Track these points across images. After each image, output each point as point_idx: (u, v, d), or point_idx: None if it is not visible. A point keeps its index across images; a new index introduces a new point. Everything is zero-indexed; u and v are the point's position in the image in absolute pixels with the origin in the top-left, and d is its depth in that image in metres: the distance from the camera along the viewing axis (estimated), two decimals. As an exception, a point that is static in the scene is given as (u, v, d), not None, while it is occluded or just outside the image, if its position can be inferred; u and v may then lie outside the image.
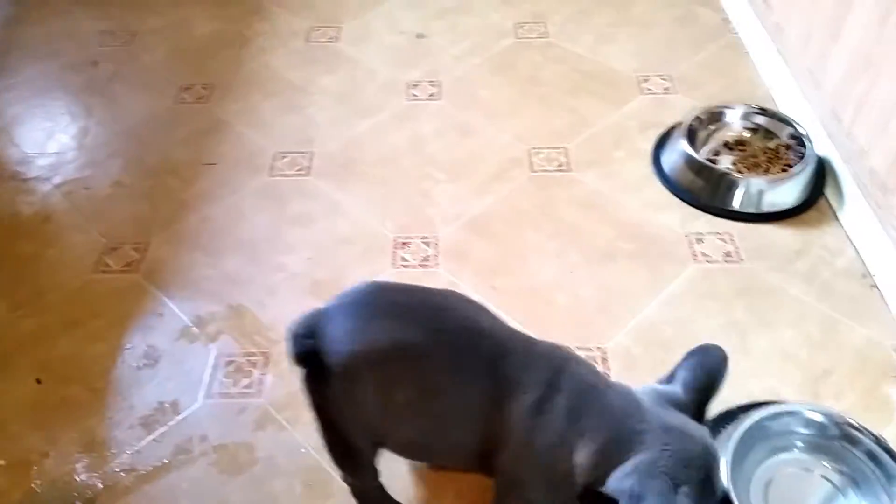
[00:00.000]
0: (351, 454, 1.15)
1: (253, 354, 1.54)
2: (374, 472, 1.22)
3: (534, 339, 1.11)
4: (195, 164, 2.00)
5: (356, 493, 1.27)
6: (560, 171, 1.96)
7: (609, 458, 0.99)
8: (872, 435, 1.27)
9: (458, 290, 1.18)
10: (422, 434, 1.10)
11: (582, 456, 1.00)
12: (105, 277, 1.71)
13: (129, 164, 2.01)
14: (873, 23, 1.66)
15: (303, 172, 1.96)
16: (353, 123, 2.12)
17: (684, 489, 0.94)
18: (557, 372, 1.04)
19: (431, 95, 2.21)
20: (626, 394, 1.04)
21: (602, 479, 1.00)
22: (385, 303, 1.08)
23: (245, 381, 1.49)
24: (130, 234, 1.81)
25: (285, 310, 1.61)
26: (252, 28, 2.51)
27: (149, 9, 2.61)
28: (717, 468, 1.00)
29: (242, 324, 1.60)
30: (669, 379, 1.09)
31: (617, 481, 0.98)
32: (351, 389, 1.05)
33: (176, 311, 1.63)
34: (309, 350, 1.05)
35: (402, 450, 1.16)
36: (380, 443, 1.14)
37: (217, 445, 1.40)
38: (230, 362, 1.53)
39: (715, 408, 1.38)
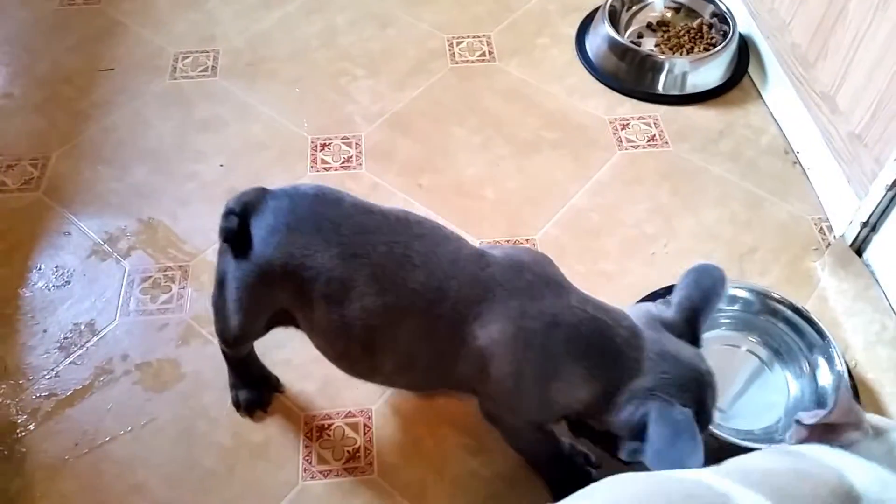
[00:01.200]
0: (240, 332, 1.14)
1: (169, 269, 1.47)
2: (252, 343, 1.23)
3: (491, 258, 1.03)
4: (90, 70, 1.84)
5: (230, 360, 1.26)
6: (482, 61, 1.89)
7: (606, 389, 0.96)
8: (793, 306, 1.31)
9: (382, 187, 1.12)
10: (349, 357, 1.08)
11: (579, 388, 0.97)
12: (3, 197, 1.59)
13: (17, 75, 1.85)
14: None
15: (208, 73, 1.83)
16: (259, 17, 1.98)
17: (682, 409, 0.92)
18: (535, 298, 0.99)
19: (343, -16, 2.08)
20: (621, 320, 1.00)
21: (598, 409, 0.98)
22: (317, 216, 1.03)
23: (164, 297, 1.42)
24: (26, 149, 1.68)
25: (200, 221, 1.53)
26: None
27: None
28: (714, 393, 0.98)
29: (156, 238, 1.51)
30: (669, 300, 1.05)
31: (617, 414, 0.96)
32: (260, 287, 1.05)
33: (83, 228, 1.53)
34: (234, 230, 1.03)
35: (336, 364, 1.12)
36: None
37: (140, 363, 1.35)
38: (146, 278, 1.45)
39: (641, 293, 1.42)
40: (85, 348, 1.36)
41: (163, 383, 1.32)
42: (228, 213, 1.04)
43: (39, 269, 1.48)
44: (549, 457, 1.17)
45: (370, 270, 0.99)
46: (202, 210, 1.55)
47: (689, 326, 1.01)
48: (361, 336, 1.02)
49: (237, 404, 1.29)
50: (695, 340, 1.01)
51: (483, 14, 2.00)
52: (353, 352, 1.05)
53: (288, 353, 1.34)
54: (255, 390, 1.29)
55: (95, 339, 1.37)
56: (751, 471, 0.78)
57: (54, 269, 1.47)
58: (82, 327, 1.39)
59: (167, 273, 1.46)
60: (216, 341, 1.35)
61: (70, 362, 1.35)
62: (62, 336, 1.38)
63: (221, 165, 1.64)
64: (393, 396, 1.31)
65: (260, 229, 1.03)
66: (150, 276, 1.45)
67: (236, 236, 1.03)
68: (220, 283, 1.10)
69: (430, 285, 0.99)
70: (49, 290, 1.44)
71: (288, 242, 1.01)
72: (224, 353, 1.25)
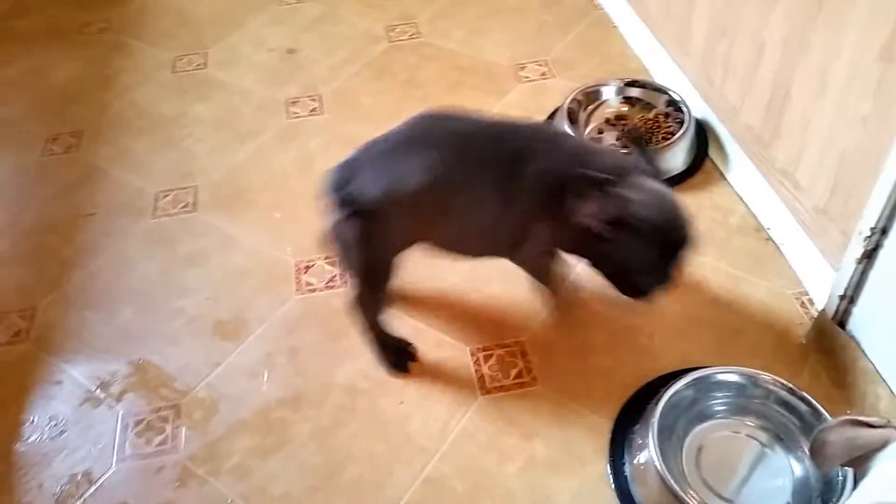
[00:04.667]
0: (381, 272, 1.40)
1: (162, 409, 1.46)
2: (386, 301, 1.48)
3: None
4: (73, 217, 1.88)
5: (377, 334, 1.48)
6: (453, 169, 1.94)
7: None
8: (786, 386, 1.31)
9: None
10: (457, 241, 1.42)
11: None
12: (-9, 353, 1.59)
13: (3, 229, 1.88)
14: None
15: (188, 209, 1.88)
16: (234, 150, 2.04)
17: None
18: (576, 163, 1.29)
19: (313, 111, 2.16)
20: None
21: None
22: (412, 140, 1.39)
23: (158, 439, 1.41)
24: (14, 301, 1.69)
25: (189, 357, 1.54)
26: (114, 66, 2.39)
27: (-1, 59, 2.46)
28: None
29: (146, 379, 1.51)
30: None
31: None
32: (384, 224, 1.31)
33: (75, 376, 1.53)
34: (346, 198, 1.31)
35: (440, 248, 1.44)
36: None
37: (139, 511, 1.33)
38: (140, 421, 1.44)
39: (634, 384, 1.43)
40: (82, 499, 1.34)
41: (163, 529, 1.30)
42: (333, 186, 1.34)
43: (32, 421, 1.47)
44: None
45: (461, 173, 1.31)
46: (191, 346, 1.56)
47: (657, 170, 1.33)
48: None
49: (393, 366, 1.49)
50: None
51: (450, 125, 2.07)
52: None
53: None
54: (402, 351, 1.51)
55: (93, 488, 1.35)
56: None
57: (48, 421, 1.46)
58: (79, 478, 1.37)
59: (160, 413, 1.45)
60: (213, 481, 1.34)
61: (68, 516, 1.32)
62: (59, 488, 1.36)
63: (207, 298, 1.66)
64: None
65: (364, 181, 1.33)
66: (144, 419, 1.45)
67: (347, 202, 1.31)
68: (357, 242, 1.33)
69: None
70: (43, 442, 1.43)
71: (392, 172, 1.33)
72: (372, 329, 1.46)
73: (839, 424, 0.83)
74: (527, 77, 2.23)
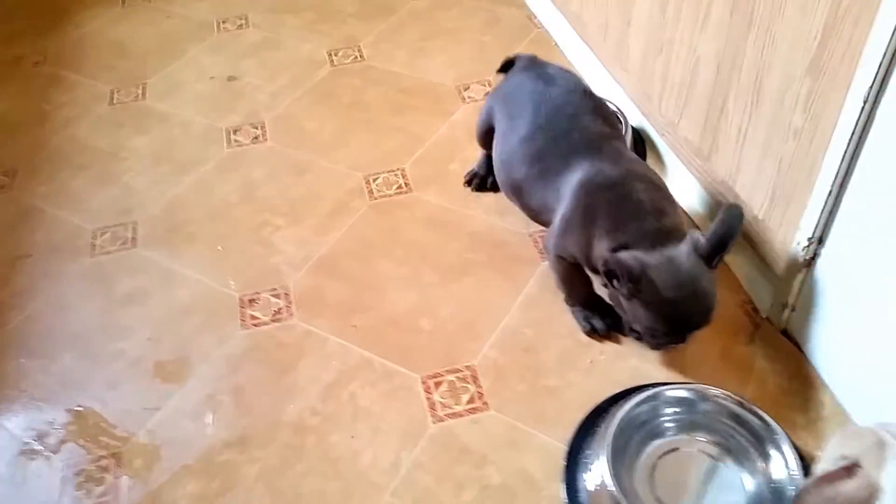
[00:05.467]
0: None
1: (102, 458, 1.40)
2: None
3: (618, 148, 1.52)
4: (8, 259, 1.82)
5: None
6: (400, 193, 1.93)
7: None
8: (734, 399, 1.32)
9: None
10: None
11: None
12: (-80, 407, 1.52)
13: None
14: (655, 9, 1.74)
15: (127, 246, 1.83)
16: (174, 182, 2.00)
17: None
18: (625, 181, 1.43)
19: (255, 138, 2.13)
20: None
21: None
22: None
23: (99, 490, 1.36)
24: (-55, 350, 1.63)
25: (130, 401, 1.49)
26: (50, 101, 2.33)
27: (-74, 97, 2.38)
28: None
29: (86, 427, 1.46)
30: None
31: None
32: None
33: (10, 428, 1.47)
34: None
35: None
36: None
37: (82, 567, 1.27)
38: (79, 472, 1.39)
39: (585, 404, 1.42)
40: (20, 559, 1.29)
41: (106, 585, 1.25)
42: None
43: (-35, 481, 1.41)
44: (572, 298, 1.59)
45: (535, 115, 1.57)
46: (131, 389, 1.51)
47: (715, 251, 1.32)
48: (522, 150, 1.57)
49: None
50: (712, 259, 1.33)
51: (395, 149, 2.07)
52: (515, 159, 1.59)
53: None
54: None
55: (31, 547, 1.30)
56: None
57: (-19, 479, 1.40)
58: (16, 537, 1.32)
59: (100, 463, 1.40)
60: (159, 530, 1.29)
61: (4, 578, 1.27)
62: (-7, 553, 1.31)
63: (148, 339, 1.61)
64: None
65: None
66: (83, 469, 1.39)
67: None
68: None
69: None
70: (-24, 503, 1.37)
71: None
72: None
73: (815, 485, 0.81)
74: (471, 97, 2.23)
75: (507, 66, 1.80)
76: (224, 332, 1.61)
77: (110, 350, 1.59)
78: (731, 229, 1.31)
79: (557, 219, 1.49)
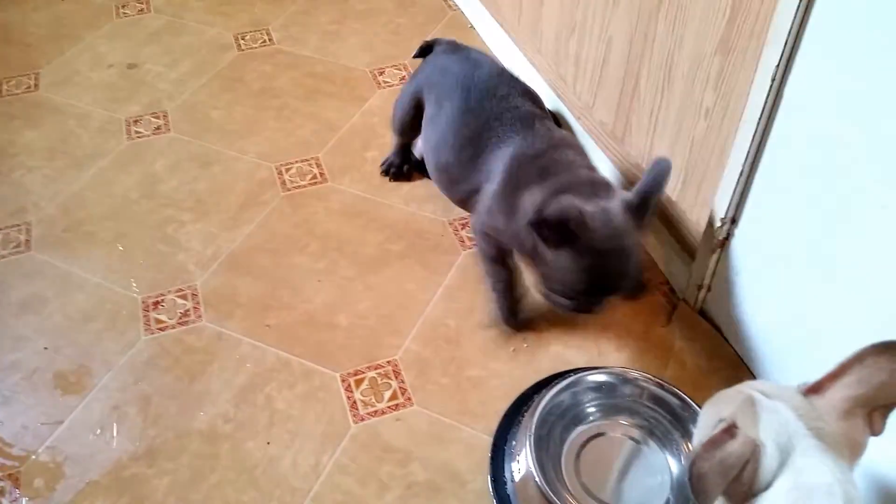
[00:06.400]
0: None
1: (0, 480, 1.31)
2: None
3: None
4: None
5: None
6: (314, 183, 1.86)
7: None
8: (654, 381, 1.32)
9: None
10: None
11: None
12: None
13: None
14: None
15: (21, 248, 1.70)
16: (71, 178, 1.88)
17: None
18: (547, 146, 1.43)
19: (158, 129, 2.02)
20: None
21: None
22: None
23: (-5, 515, 1.27)
24: None
25: (28, 416, 1.39)
26: (-72, 92, 2.16)
27: None
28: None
29: (-22, 447, 1.36)
30: None
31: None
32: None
33: None
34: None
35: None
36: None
37: None
38: (-28, 497, 1.29)
39: (509, 393, 1.40)
40: None
41: None
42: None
43: None
44: (498, 284, 1.53)
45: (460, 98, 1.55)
46: (28, 404, 1.41)
47: (642, 205, 1.27)
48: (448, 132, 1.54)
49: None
50: (641, 215, 1.28)
51: (307, 137, 1.99)
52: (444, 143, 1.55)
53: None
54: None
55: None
56: None
57: None
58: None
59: (-3, 486, 1.30)
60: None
61: None
62: None
63: (46, 348, 1.50)
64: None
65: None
66: (-23, 494, 1.30)
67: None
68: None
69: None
70: None
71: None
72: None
73: (704, 451, 0.81)
74: (387, 82, 2.17)
75: (424, 52, 1.77)
76: (128, 337, 1.52)
77: (4, 362, 1.48)
78: (658, 183, 1.27)
79: (486, 196, 1.46)
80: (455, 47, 1.72)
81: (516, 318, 1.53)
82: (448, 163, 1.56)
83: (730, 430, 0.82)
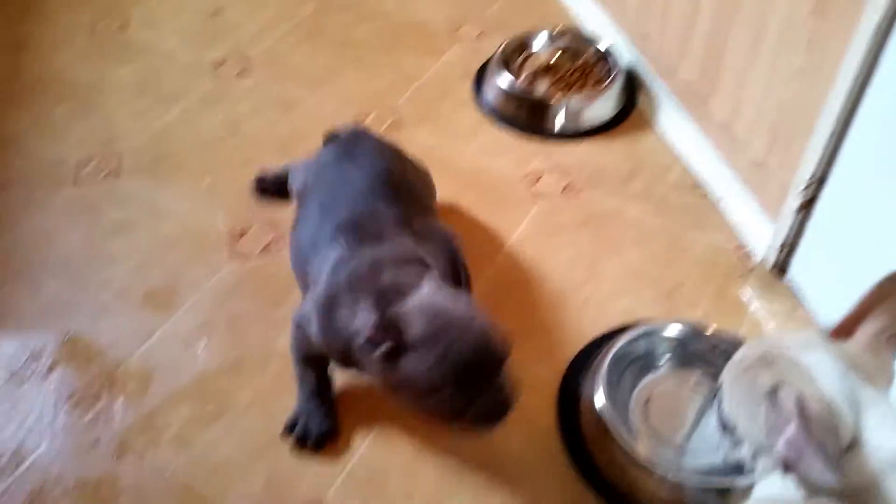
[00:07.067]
0: None
1: (94, 382, 1.38)
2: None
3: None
4: (-11, 189, 1.77)
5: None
6: (391, 131, 1.90)
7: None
8: (728, 337, 1.33)
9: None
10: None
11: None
12: None
13: None
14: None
15: (112, 176, 1.78)
16: (157, 114, 1.94)
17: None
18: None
19: (241, 73, 2.08)
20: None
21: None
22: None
23: (92, 412, 1.34)
24: (-73, 277, 1.58)
25: (121, 328, 1.46)
26: (27, 29, 2.24)
27: None
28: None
29: (76, 352, 1.43)
30: None
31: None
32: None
33: (1, 352, 1.44)
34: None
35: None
36: None
37: (75, 485, 1.26)
38: (71, 395, 1.37)
39: (577, 340, 1.43)
40: (13, 476, 1.26)
41: (102, 502, 1.23)
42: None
43: (-47, 402, 1.38)
44: (305, 384, 1.33)
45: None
46: (121, 317, 1.48)
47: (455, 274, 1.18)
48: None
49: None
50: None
51: (385, 86, 2.03)
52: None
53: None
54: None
55: (25, 464, 1.28)
56: None
57: (-30, 401, 1.38)
58: (8, 456, 1.29)
59: (93, 387, 1.38)
60: (151, 452, 1.29)
61: (0, 493, 1.25)
62: (-14, 469, 1.28)
63: (136, 268, 1.57)
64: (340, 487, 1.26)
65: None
66: (76, 392, 1.37)
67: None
68: None
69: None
70: (-35, 423, 1.34)
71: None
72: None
73: (792, 435, 0.78)
74: (464, 35, 2.19)
75: (330, 139, 1.57)
76: (213, 264, 1.58)
77: (97, 279, 1.56)
78: (455, 253, 1.18)
79: (309, 297, 1.24)
80: (349, 140, 1.50)
81: (306, 433, 1.30)
82: (305, 267, 1.32)
83: (800, 402, 0.79)
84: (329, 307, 1.16)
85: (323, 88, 2.03)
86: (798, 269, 1.44)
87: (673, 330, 1.36)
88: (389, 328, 1.04)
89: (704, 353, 1.35)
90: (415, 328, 1.05)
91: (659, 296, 1.52)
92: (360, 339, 1.06)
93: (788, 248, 1.43)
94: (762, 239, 1.51)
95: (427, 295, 1.09)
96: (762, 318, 1.47)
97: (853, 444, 0.81)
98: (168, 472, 1.27)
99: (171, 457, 1.28)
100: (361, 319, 1.08)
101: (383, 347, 1.04)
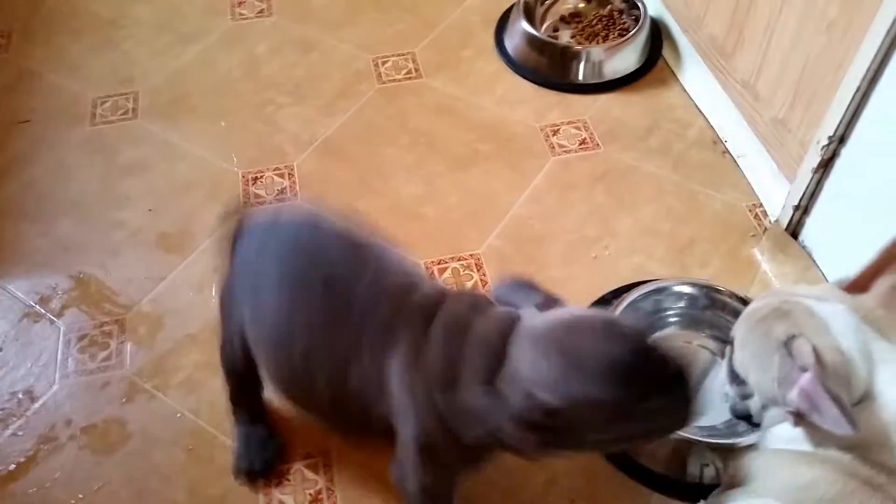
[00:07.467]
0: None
1: (106, 324, 1.41)
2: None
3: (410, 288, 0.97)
4: (6, 123, 1.77)
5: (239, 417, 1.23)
6: (409, 78, 1.87)
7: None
8: (738, 297, 1.32)
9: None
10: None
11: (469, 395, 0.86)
12: (-79, 267, 1.51)
13: (-75, 135, 1.77)
14: None
15: (128, 116, 1.78)
16: (176, 53, 1.93)
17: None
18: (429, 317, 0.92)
19: (261, 12, 2.05)
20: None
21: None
22: (290, 258, 1.00)
23: (103, 354, 1.37)
24: (-56, 213, 1.60)
25: (132, 270, 1.48)
26: (44, -39, 2.22)
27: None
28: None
29: (88, 293, 1.46)
30: None
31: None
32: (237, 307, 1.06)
33: (12, 291, 1.47)
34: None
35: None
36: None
37: (85, 427, 1.29)
38: (83, 336, 1.40)
39: (587, 294, 1.42)
40: (25, 417, 1.30)
41: (110, 445, 1.27)
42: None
43: (-33, 338, 1.41)
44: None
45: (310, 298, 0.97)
46: (133, 258, 1.50)
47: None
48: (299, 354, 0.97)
49: (252, 473, 1.21)
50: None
51: (405, 32, 1.99)
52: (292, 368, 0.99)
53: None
54: (269, 444, 1.23)
55: (35, 406, 1.31)
56: None
57: (-15, 338, 1.41)
58: (20, 395, 1.33)
59: (104, 329, 1.40)
60: (161, 395, 1.31)
61: (10, 434, 1.28)
62: (-1, 407, 1.32)
63: (150, 210, 1.59)
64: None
65: (241, 258, 1.06)
66: (87, 334, 1.40)
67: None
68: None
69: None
70: (-20, 359, 1.38)
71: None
72: (232, 403, 1.22)
73: (805, 386, 0.78)
74: (485, -19, 2.14)
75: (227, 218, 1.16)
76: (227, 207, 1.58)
77: (111, 219, 1.57)
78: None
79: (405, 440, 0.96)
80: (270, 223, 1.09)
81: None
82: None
83: (816, 353, 0.79)
84: (451, 408, 0.88)
85: (342, 30, 1.99)
86: (811, 230, 1.42)
87: (680, 288, 1.35)
88: (533, 405, 0.80)
89: (712, 314, 1.34)
90: (553, 372, 0.80)
91: (670, 253, 1.51)
92: (510, 430, 0.82)
93: (803, 209, 1.41)
94: (778, 199, 1.48)
95: (532, 331, 0.85)
96: (773, 278, 1.45)
97: (865, 397, 0.81)
98: (178, 413, 1.30)
99: (179, 402, 1.31)
100: (490, 410, 0.84)
101: (539, 419, 0.80)
